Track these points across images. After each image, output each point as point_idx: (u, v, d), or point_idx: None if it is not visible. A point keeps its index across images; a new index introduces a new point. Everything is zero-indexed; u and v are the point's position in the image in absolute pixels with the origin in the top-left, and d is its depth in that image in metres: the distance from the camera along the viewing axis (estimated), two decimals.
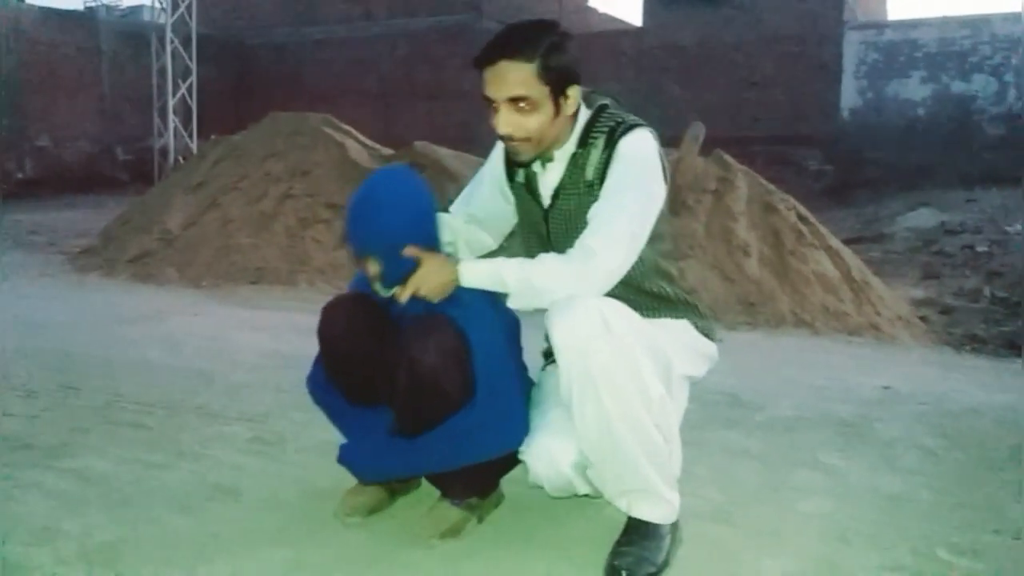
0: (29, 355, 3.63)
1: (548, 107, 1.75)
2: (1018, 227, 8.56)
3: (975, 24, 13.55)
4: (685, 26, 15.60)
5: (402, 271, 1.79)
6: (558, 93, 1.75)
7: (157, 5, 14.94)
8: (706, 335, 1.95)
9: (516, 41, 1.73)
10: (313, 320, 1.93)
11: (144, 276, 5.97)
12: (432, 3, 17.75)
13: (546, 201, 1.88)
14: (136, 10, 19.96)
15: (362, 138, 7.23)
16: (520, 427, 1.81)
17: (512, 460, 1.87)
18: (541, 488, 1.85)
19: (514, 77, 1.72)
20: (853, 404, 3.12)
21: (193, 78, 14.49)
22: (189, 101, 14.51)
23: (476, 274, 1.78)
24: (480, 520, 1.97)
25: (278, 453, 2.50)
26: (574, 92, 1.78)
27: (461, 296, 1.80)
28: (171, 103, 14.27)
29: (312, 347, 1.99)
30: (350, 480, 2.02)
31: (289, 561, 1.82)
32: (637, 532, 1.77)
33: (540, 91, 1.73)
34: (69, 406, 2.95)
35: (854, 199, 12.10)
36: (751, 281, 4.98)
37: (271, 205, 6.41)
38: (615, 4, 66.11)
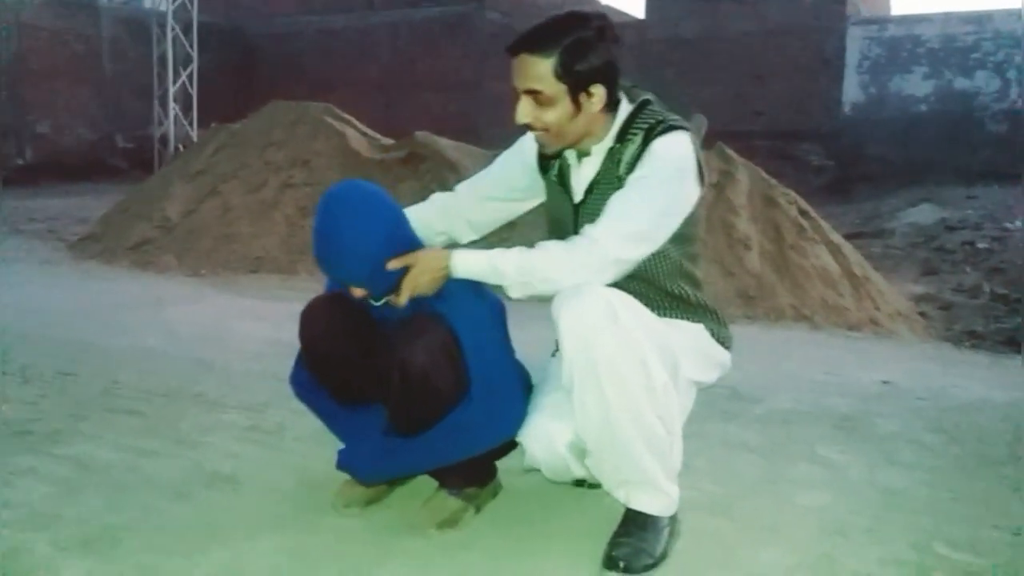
0: (27, 342, 3.62)
1: (565, 104, 1.74)
2: (1019, 224, 8.56)
3: (978, 20, 13.51)
4: (687, 19, 15.55)
5: (389, 282, 1.77)
6: (577, 91, 1.73)
7: None
8: (721, 342, 1.93)
9: (540, 35, 1.73)
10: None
11: (143, 264, 5.97)
12: None
13: (578, 196, 1.87)
14: None
15: (363, 128, 7.22)
16: (517, 414, 1.80)
17: (508, 445, 1.87)
18: (537, 471, 1.85)
19: (531, 71, 1.72)
20: (852, 398, 3.12)
21: (194, 66, 14.44)
22: (190, 89, 14.47)
23: (470, 265, 1.76)
24: (478, 510, 1.97)
25: (276, 442, 2.50)
26: (598, 91, 1.75)
27: (447, 289, 1.79)
28: (172, 91, 14.23)
29: None
30: None
31: (286, 550, 1.82)
32: (635, 523, 1.77)
33: (556, 88, 1.72)
34: (67, 393, 2.94)
35: (855, 194, 12.10)
36: (751, 275, 4.97)
37: (271, 194, 6.41)
38: None
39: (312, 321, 1.87)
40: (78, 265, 6.12)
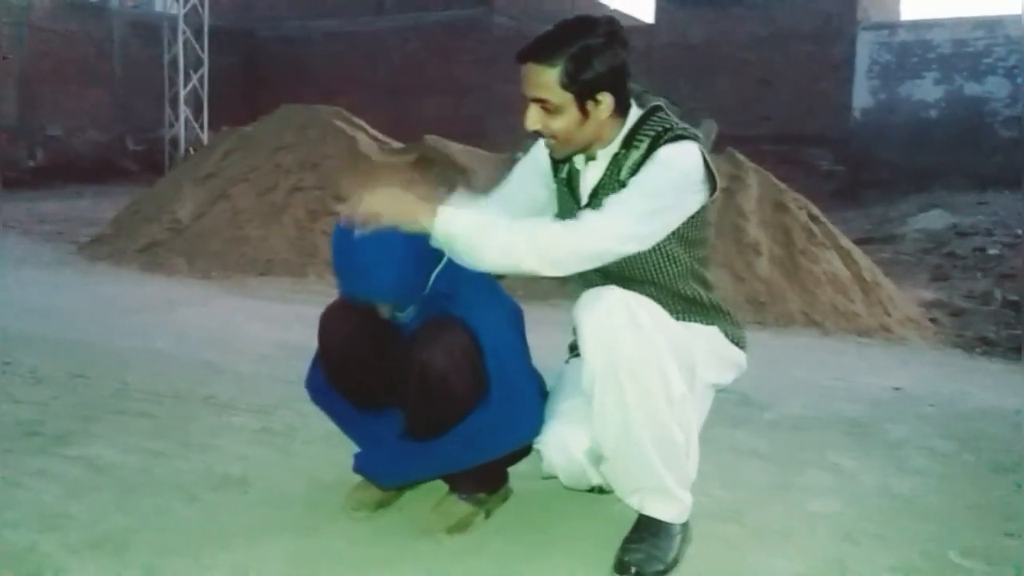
0: (38, 343, 3.64)
1: (572, 112, 1.74)
2: None
3: (989, 25, 13.45)
4: (696, 24, 15.53)
5: (413, 299, 1.79)
6: (584, 99, 1.73)
7: None
8: (736, 343, 1.93)
9: (545, 44, 1.72)
10: (321, 312, 1.92)
11: (153, 266, 5.99)
12: None
13: (584, 199, 1.87)
14: (148, 0, 19.98)
15: (372, 131, 7.23)
16: (535, 419, 1.80)
17: (521, 452, 1.87)
18: (555, 478, 1.85)
19: (537, 80, 1.73)
20: (863, 404, 3.10)
21: (204, 69, 14.49)
22: (200, 92, 14.52)
23: (455, 219, 1.69)
24: (488, 515, 1.97)
25: (286, 444, 2.50)
26: (606, 99, 1.74)
27: (467, 295, 1.79)
28: (182, 94, 14.28)
29: None
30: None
31: (295, 552, 1.82)
32: (648, 530, 1.77)
33: (562, 96, 1.72)
34: (77, 394, 2.95)
35: (865, 199, 12.05)
36: (761, 280, 4.96)
37: (281, 197, 6.42)
38: (626, 1, 65.89)
39: (331, 326, 1.87)
40: (88, 267, 6.14)
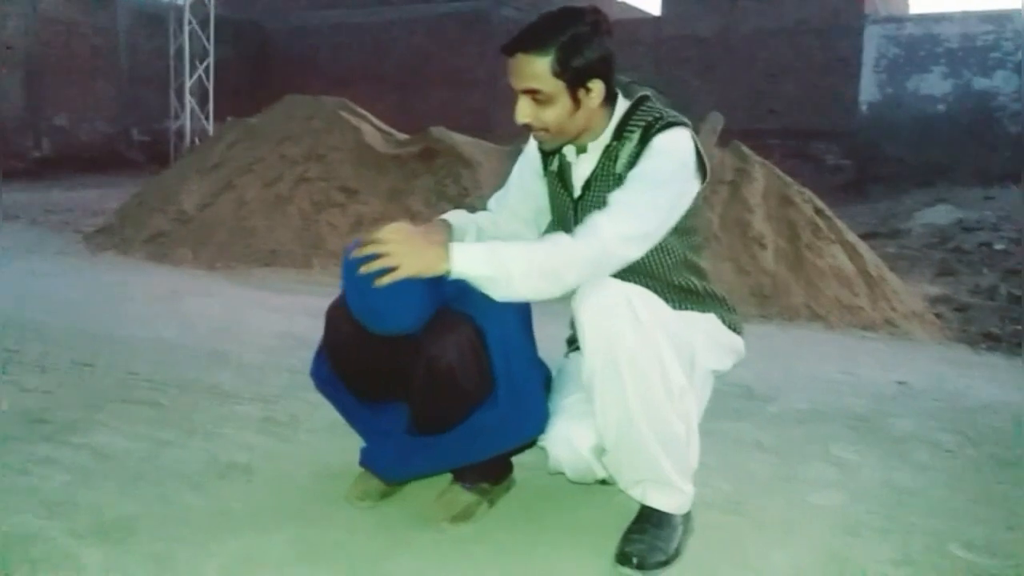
0: (44, 332, 3.65)
1: (565, 101, 1.73)
2: None
3: (998, 20, 13.39)
4: (704, 16, 15.48)
5: (427, 319, 1.75)
6: (576, 87, 1.73)
7: None
8: (732, 329, 1.94)
9: (534, 34, 1.72)
10: (326, 303, 1.92)
11: (159, 256, 6.00)
12: None
13: (576, 191, 1.87)
14: None
15: (378, 123, 7.22)
16: (541, 414, 1.80)
17: (525, 444, 1.87)
18: (561, 474, 1.85)
19: (528, 70, 1.72)
20: (867, 399, 3.10)
21: (210, 60, 14.50)
22: (206, 83, 14.53)
23: (470, 268, 1.67)
24: (491, 504, 1.98)
25: (290, 433, 2.51)
26: (596, 86, 1.75)
27: (476, 292, 1.76)
28: (188, 84, 14.30)
29: None
30: None
31: (299, 541, 1.83)
32: (649, 520, 1.77)
33: (555, 85, 1.72)
34: (83, 383, 2.97)
35: (871, 194, 12.02)
36: (766, 273, 4.95)
37: (286, 188, 6.42)
38: None
39: (338, 320, 1.86)
40: (94, 257, 6.16)
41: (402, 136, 7.15)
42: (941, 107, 13.77)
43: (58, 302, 4.38)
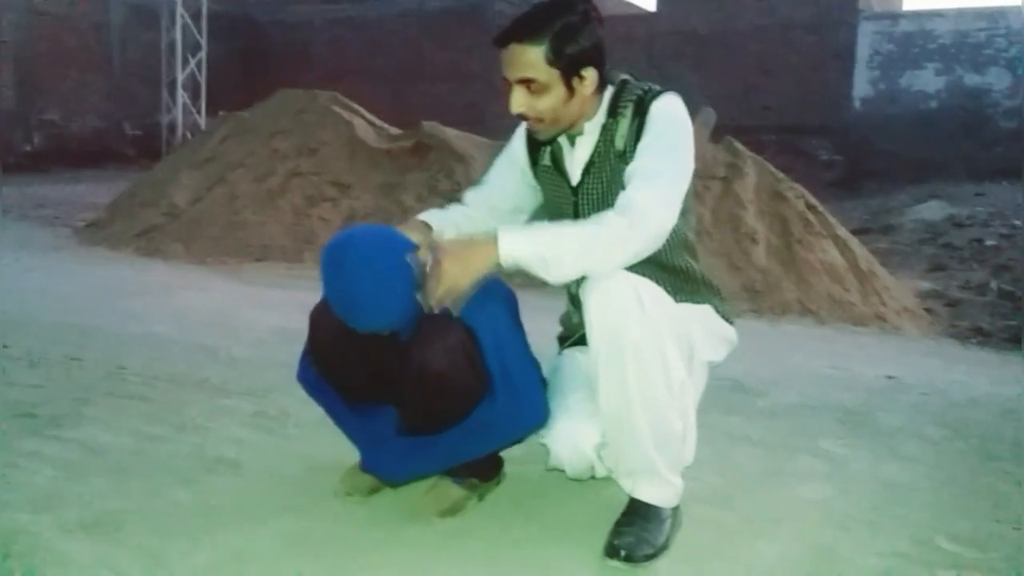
0: (34, 326, 3.64)
1: (559, 89, 1.74)
2: None
3: (991, 16, 13.41)
4: (698, 12, 15.48)
5: (413, 320, 1.73)
6: (571, 75, 1.74)
7: None
8: (726, 319, 1.95)
9: (528, 24, 1.72)
10: (317, 297, 1.91)
11: (150, 251, 5.98)
12: None
13: (575, 178, 1.87)
14: None
15: (370, 117, 7.21)
16: (540, 406, 1.80)
17: (526, 436, 1.87)
18: (557, 471, 1.86)
19: (523, 60, 1.72)
20: (856, 393, 3.11)
21: (203, 54, 14.45)
22: (198, 77, 14.48)
23: (519, 256, 1.63)
24: (481, 498, 1.98)
25: (280, 428, 2.51)
26: (590, 74, 1.75)
27: None
28: (180, 78, 14.24)
29: None
30: (351, 456, 2.02)
31: (289, 534, 1.82)
32: (638, 513, 1.78)
33: (550, 74, 1.72)
34: (73, 377, 2.96)
35: (863, 190, 12.04)
36: (758, 269, 4.97)
37: (278, 182, 6.41)
38: None
39: (322, 324, 1.83)
40: (85, 251, 6.14)
41: (395, 130, 7.14)
42: (934, 103, 13.80)
43: (48, 297, 4.37)
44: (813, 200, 5.64)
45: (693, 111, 1.87)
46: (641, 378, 1.64)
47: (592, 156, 1.84)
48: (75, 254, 6.02)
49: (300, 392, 2.14)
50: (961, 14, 13.72)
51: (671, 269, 1.85)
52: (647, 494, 1.78)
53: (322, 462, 2.18)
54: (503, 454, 2.01)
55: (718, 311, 1.93)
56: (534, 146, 1.93)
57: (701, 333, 1.87)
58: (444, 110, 11.24)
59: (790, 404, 2.95)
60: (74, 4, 15.63)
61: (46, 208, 8.71)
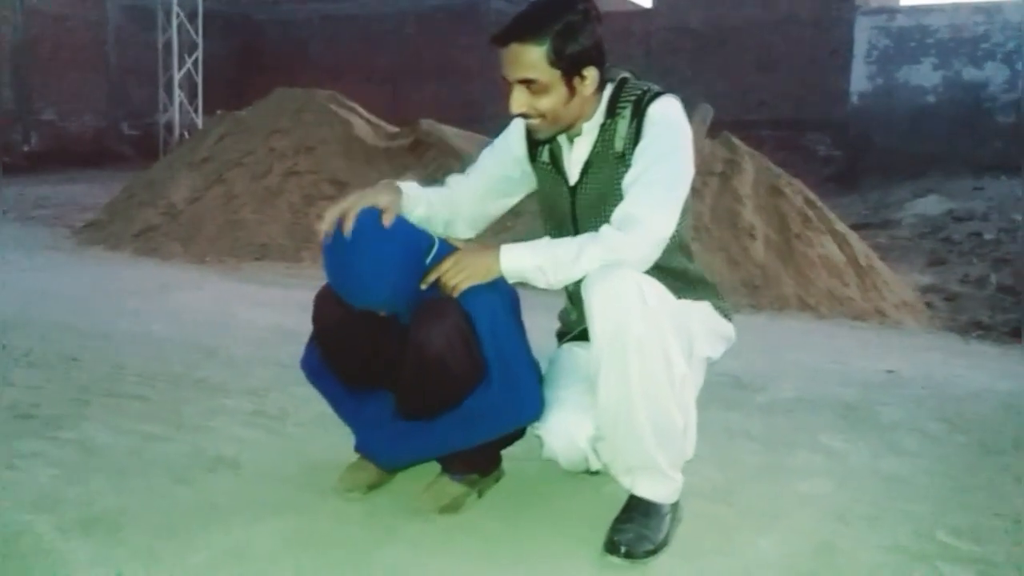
0: (32, 326, 3.64)
1: (560, 89, 1.73)
2: None
3: (988, 11, 13.39)
4: (695, 8, 15.46)
5: (409, 300, 1.78)
6: (571, 75, 1.73)
7: None
8: (724, 315, 1.95)
9: (528, 24, 1.72)
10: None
11: (148, 250, 5.98)
12: None
13: (573, 177, 1.86)
14: None
15: (368, 115, 7.21)
16: (535, 400, 1.80)
17: (516, 434, 1.87)
18: (554, 462, 1.85)
19: (523, 60, 1.72)
20: (856, 387, 3.11)
21: (199, 53, 14.42)
22: (195, 76, 14.45)
23: (519, 268, 1.74)
24: (480, 495, 1.98)
25: (278, 426, 2.51)
26: (591, 73, 1.75)
27: None
28: (177, 78, 14.21)
29: None
30: (350, 454, 2.02)
31: (288, 533, 1.82)
32: (637, 510, 1.77)
33: (550, 74, 1.72)
34: (71, 377, 2.95)
35: (862, 184, 12.04)
36: (756, 264, 4.96)
37: (276, 181, 6.41)
38: None
39: (325, 307, 1.86)
40: (83, 251, 6.13)
41: (393, 129, 7.14)
42: (932, 98, 13.78)
43: (46, 296, 4.36)
44: (811, 195, 5.64)
45: (690, 107, 1.87)
46: (644, 372, 1.64)
47: (591, 156, 1.83)
48: (73, 254, 6.01)
49: (299, 391, 2.14)
50: (958, 8, 13.70)
51: (668, 271, 1.85)
52: (647, 490, 1.78)
53: (321, 460, 2.18)
54: (502, 452, 2.01)
55: (716, 308, 1.93)
56: (533, 142, 1.92)
57: (700, 329, 1.86)
58: (442, 108, 11.24)
59: (789, 399, 2.95)
60: (70, 4, 15.61)
61: (44, 208, 8.70)
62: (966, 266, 6.88)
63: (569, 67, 1.72)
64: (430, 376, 1.76)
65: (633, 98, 1.79)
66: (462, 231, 1.99)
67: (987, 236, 7.88)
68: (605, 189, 1.81)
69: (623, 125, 1.78)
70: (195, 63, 14.43)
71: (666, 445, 1.73)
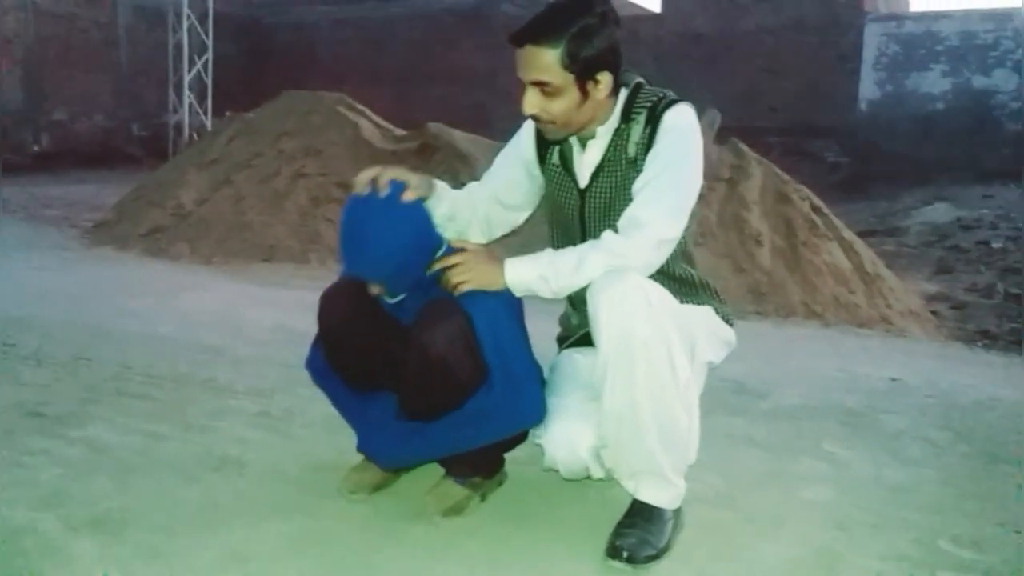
0: (41, 326, 3.66)
1: (573, 93, 1.74)
2: None
3: (998, 18, 13.37)
4: (703, 13, 15.48)
5: (408, 282, 1.82)
6: (585, 79, 1.73)
7: None
8: (726, 320, 1.96)
9: (544, 26, 1.72)
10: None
11: (156, 251, 6.00)
12: None
13: (583, 181, 1.87)
14: None
15: (376, 118, 7.22)
16: (536, 403, 1.81)
17: (518, 438, 1.88)
18: (555, 472, 1.86)
19: (538, 62, 1.72)
20: (860, 395, 3.11)
21: (209, 55, 14.47)
22: (204, 78, 14.50)
23: (522, 280, 1.78)
24: (483, 499, 1.99)
25: (284, 427, 2.52)
26: (605, 78, 1.75)
27: None
28: (187, 79, 14.26)
29: None
30: (354, 455, 2.03)
31: (292, 534, 1.83)
32: (640, 515, 1.78)
33: (564, 78, 1.72)
34: (79, 376, 2.97)
35: (870, 192, 12.01)
36: (762, 271, 4.96)
37: (284, 183, 6.43)
38: None
39: (330, 307, 1.88)
40: (92, 251, 6.16)
41: (400, 132, 7.15)
42: (940, 105, 13.75)
43: (55, 296, 4.39)
44: (818, 202, 5.63)
45: (698, 112, 1.87)
46: (649, 376, 1.65)
47: (603, 160, 1.84)
48: (82, 254, 6.04)
49: (305, 392, 2.15)
50: (968, 15, 13.68)
51: (670, 276, 1.86)
52: (650, 495, 1.78)
53: (326, 461, 2.19)
54: (505, 455, 2.02)
55: (718, 312, 1.94)
56: (543, 142, 1.93)
57: (702, 334, 1.87)
58: (450, 111, 11.23)
59: (793, 406, 2.94)
60: (81, 5, 15.68)
61: (53, 208, 8.74)
62: (973, 275, 6.86)
63: (583, 71, 1.72)
64: (433, 377, 1.77)
65: (648, 104, 1.79)
66: (475, 236, 2.01)
67: (995, 245, 7.86)
68: (615, 193, 1.82)
69: (637, 130, 1.79)
70: (205, 65, 14.48)
71: (670, 448, 1.73)
